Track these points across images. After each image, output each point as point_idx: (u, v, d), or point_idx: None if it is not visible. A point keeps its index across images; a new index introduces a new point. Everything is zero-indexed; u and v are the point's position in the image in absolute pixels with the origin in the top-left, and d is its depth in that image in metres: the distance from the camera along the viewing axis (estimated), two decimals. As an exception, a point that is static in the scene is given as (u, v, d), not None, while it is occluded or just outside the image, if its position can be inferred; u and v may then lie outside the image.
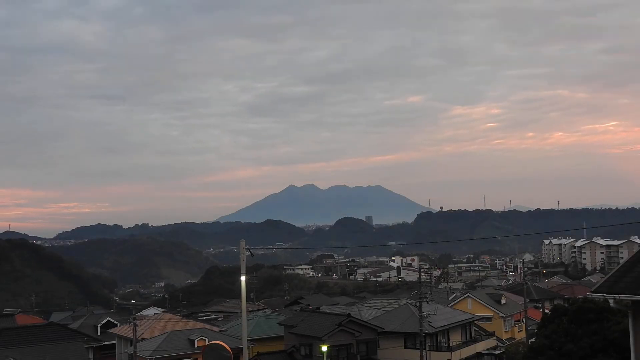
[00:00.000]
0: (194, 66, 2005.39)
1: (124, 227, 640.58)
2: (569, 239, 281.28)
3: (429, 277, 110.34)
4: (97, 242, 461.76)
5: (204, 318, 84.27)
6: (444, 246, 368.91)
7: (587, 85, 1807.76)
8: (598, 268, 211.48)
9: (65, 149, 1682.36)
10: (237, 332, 54.37)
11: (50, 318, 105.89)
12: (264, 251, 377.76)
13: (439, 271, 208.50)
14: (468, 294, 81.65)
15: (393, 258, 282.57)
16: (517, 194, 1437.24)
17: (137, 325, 55.31)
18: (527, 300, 73.59)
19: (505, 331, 75.17)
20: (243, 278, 27.21)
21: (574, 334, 38.06)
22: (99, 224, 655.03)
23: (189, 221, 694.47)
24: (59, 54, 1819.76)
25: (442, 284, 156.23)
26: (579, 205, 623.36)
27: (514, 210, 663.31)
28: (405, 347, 58.07)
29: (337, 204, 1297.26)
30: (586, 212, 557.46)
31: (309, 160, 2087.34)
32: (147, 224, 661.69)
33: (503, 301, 78.42)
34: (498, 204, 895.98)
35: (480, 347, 64.06)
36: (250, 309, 72.97)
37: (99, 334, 69.09)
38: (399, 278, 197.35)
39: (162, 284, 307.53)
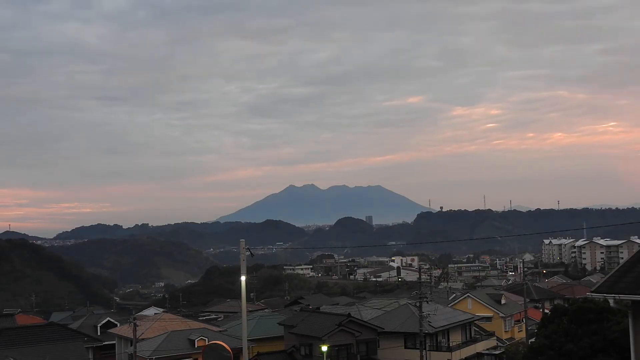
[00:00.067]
0: (195, 68, 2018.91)
1: (124, 227, 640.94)
2: (569, 239, 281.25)
3: (429, 277, 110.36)
4: (97, 242, 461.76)
5: (204, 318, 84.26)
6: (444, 246, 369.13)
7: (587, 86, 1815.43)
8: (598, 268, 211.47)
9: (66, 150, 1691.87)
10: (237, 332, 54.37)
11: (50, 318, 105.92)
12: (264, 251, 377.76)
13: (439, 271, 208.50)
14: (468, 294, 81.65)
15: (393, 258, 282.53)
16: (517, 194, 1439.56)
17: (137, 325, 55.30)
18: (527, 300, 73.58)
19: (505, 331, 75.17)
20: (243, 278, 27.21)
21: (574, 334, 38.06)
22: (99, 224, 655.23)
23: (189, 221, 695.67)
24: (63, 56, 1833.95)
25: (442, 284, 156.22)
26: (579, 205, 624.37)
27: (514, 210, 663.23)
28: (405, 347, 58.06)
29: (337, 204, 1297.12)
30: (586, 212, 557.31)
31: (309, 161, 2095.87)
32: (147, 224, 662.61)
33: (503, 301, 78.42)
34: (498, 204, 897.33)
35: (480, 347, 64.06)
36: (250, 309, 72.96)
37: (99, 334, 69.08)
38: (399, 278, 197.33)
39: (162, 284, 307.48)
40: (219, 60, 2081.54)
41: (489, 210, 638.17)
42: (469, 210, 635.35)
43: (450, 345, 59.56)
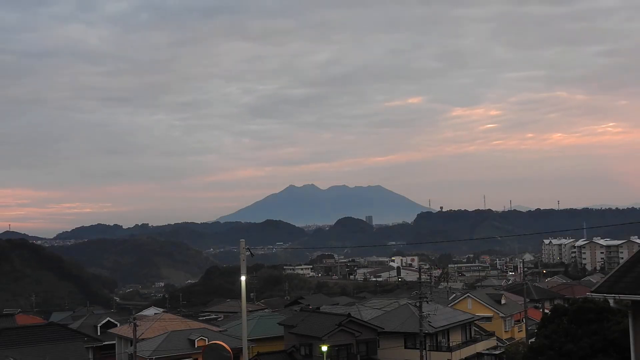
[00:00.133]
0: (197, 69, 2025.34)
1: (124, 227, 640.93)
2: (569, 239, 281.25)
3: (429, 277, 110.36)
4: (97, 242, 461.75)
5: (204, 318, 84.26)
6: (444, 246, 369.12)
7: (586, 87, 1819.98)
8: (598, 268, 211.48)
9: (68, 150, 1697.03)
10: (237, 332, 54.37)
11: (50, 318, 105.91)
12: (264, 251, 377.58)
13: (439, 271, 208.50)
14: (468, 294, 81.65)
15: (393, 258, 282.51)
16: (517, 194, 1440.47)
17: (137, 325, 55.29)
18: (527, 300, 73.59)
19: (505, 331, 75.17)
20: (243, 278, 27.21)
21: (574, 334, 38.06)
22: (99, 224, 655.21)
23: (189, 221, 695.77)
24: (66, 58, 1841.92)
25: (442, 284, 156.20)
26: (579, 205, 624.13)
27: (514, 210, 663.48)
28: (405, 347, 58.06)
29: (337, 204, 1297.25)
30: (586, 212, 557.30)
31: (309, 161, 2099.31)
32: (147, 224, 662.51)
33: (503, 301, 78.43)
34: (498, 204, 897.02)
35: (480, 347, 64.06)
36: (250, 309, 72.96)
37: (99, 334, 69.08)
38: (399, 278, 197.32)
39: (162, 284, 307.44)
40: (220, 61, 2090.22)
41: (489, 210, 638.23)
42: (469, 210, 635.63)
43: (450, 345, 59.56)
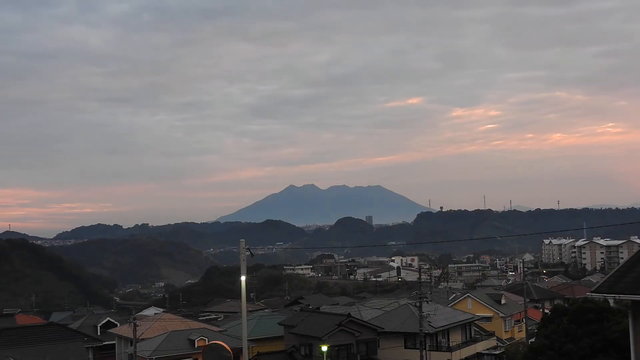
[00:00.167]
0: (198, 69, 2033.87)
1: (124, 227, 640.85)
2: (569, 239, 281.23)
3: (429, 277, 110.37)
4: (97, 242, 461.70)
5: (204, 318, 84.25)
6: (444, 246, 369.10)
7: (585, 87, 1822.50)
8: (598, 268, 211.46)
9: (69, 150, 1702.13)
10: (237, 332, 54.37)
11: (50, 318, 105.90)
12: (264, 251, 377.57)
13: (439, 271, 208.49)
14: (468, 294, 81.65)
15: (393, 258, 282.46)
16: (517, 194, 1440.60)
17: (137, 325, 55.29)
18: (527, 300, 73.59)
19: (505, 331, 75.17)
20: (243, 278, 27.21)
21: (574, 334, 38.06)
22: (99, 224, 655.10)
23: (189, 221, 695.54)
24: (68, 59, 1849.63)
25: (442, 284, 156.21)
26: (579, 205, 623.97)
27: (514, 210, 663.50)
28: (405, 347, 58.06)
29: (337, 204, 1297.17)
30: (586, 212, 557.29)
31: (310, 161, 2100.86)
32: (147, 224, 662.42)
33: (503, 301, 78.42)
34: (498, 204, 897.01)
35: (480, 347, 64.06)
36: (250, 309, 72.97)
37: (99, 334, 69.08)
38: (399, 278, 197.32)
39: (162, 284, 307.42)
40: (222, 62, 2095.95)
41: (489, 210, 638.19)
42: (469, 210, 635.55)
43: (450, 345, 59.56)
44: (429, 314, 55.71)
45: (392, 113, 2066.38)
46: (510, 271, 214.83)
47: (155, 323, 64.49)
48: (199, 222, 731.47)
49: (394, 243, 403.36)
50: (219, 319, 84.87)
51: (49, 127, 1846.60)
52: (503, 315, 75.42)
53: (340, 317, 56.10)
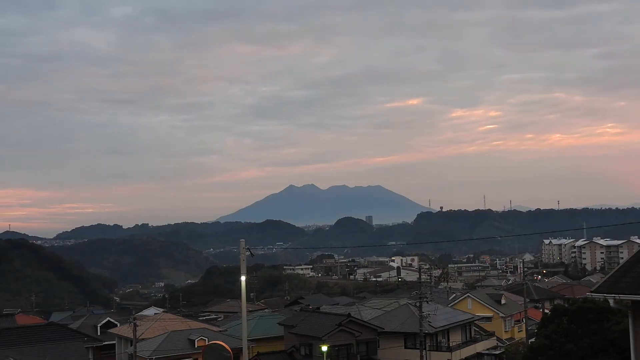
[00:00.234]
0: (200, 71, 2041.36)
1: (124, 227, 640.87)
2: (569, 239, 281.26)
3: (429, 277, 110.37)
4: (97, 242, 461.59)
5: (204, 318, 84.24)
6: (444, 246, 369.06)
7: (584, 88, 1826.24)
8: (598, 268, 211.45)
9: (71, 151, 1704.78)
10: (237, 332, 54.38)
11: (50, 318, 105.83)
12: (264, 251, 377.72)
13: (439, 271, 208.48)
14: (468, 294, 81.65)
15: (393, 258, 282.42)
16: (517, 194, 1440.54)
17: (137, 325, 55.28)
18: (527, 300, 73.59)
19: (505, 331, 75.17)
20: (243, 278, 27.22)
21: (574, 334, 38.07)
22: (99, 224, 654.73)
23: (189, 221, 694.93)
24: (71, 60, 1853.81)
25: (442, 284, 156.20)
26: (579, 205, 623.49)
27: (514, 210, 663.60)
28: (405, 347, 58.05)
29: (337, 204, 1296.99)
30: (586, 212, 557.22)
31: (310, 162, 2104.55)
32: (147, 224, 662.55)
33: (503, 301, 78.41)
34: (498, 204, 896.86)
35: (480, 347, 64.06)
36: (250, 309, 72.97)
37: (99, 334, 69.08)
38: (399, 278, 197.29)
39: (162, 284, 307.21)
40: (224, 64, 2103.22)
41: (489, 210, 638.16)
42: (469, 210, 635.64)
43: (450, 345, 59.56)
44: (429, 314, 55.70)
45: (393, 114, 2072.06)
46: (510, 271, 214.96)
47: (155, 323, 64.47)
48: (199, 222, 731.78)
49: (394, 243, 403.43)
50: (219, 319, 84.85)
51: (52, 127, 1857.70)
52: (503, 315, 75.42)
53: (340, 317, 56.10)
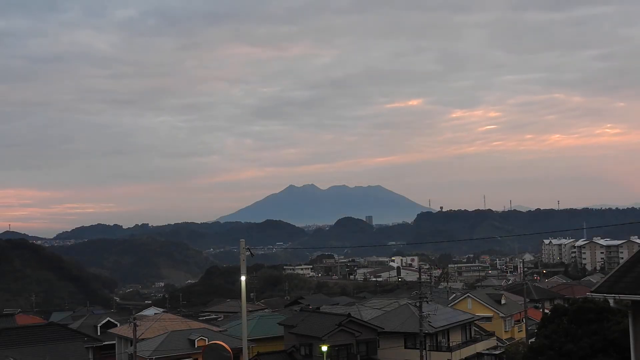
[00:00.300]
0: (202, 72, 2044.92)
1: (124, 227, 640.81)
2: (569, 239, 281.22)
3: (429, 277, 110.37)
4: (97, 242, 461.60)
5: (204, 318, 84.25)
6: (444, 246, 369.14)
7: (583, 89, 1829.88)
8: (598, 268, 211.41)
9: (73, 151, 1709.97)
10: (237, 332, 54.39)
11: (50, 318, 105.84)
12: (264, 251, 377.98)
13: (439, 271, 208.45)
14: (468, 294, 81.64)
15: (393, 258, 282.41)
16: (517, 194, 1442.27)
17: (137, 325, 55.26)
18: (527, 300, 73.59)
19: (505, 331, 75.15)
20: (243, 278, 27.23)
21: (574, 334, 38.07)
22: (99, 224, 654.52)
23: (189, 221, 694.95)
24: (74, 62, 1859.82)
25: (442, 284, 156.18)
26: (579, 205, 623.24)
27: (514, 210, 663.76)
28: (405, 347, 58.05)
29: (337, 204, 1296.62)
30: (586, 212, 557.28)
31: (310, 162, 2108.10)
32: (147, 224, 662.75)
33: (503, 301, 78.40)
34: (498, 204, 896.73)
35: (480, 347, 64.05)
36: (250, 309, 72.98)
37: (99, 334, 69.09)
38: (399, 278, 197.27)
39: (162, 284, 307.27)
40: (224, 65, 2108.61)
41: (489, 210, 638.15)
42: (469, 210, 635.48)
43: (450, 345, 59.56)
44: (429, 314, 55.69)
45: (393, 114, 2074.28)
46: (510, 271, 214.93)
47: (155, 323, 64.47)
48: (199, 222, 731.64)
49: (394, 243, 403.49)
50: (219, 319, 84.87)
51: (53, 128, 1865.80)
52: (503, 315, 75.42)
53: (340, 317, 56.10)
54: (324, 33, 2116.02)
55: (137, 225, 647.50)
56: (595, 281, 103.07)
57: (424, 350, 53.82)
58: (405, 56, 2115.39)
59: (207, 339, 52.23)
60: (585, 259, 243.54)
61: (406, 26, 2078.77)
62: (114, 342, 66.12)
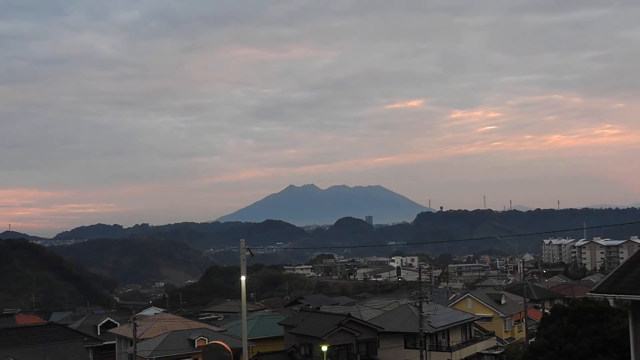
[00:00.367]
0: (203, 74, 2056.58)
1: (124, 227, 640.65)
2: (569, 239, 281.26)
3: (429, 277, 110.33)
4: (97, 242, 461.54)
5: (204, 318, 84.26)
6: (444, 246, 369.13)
7: (582, 90, 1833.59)
8: (598, 268, 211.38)
9: (74, 152, 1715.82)
10: (237, 332, 54.40)
11: (50, 318, 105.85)
12: (264, 251, 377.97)
13: (439, 271, 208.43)
14: (468, 294, 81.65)
15: (393, 258, 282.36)
16: (517, 194, 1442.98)
17: (137, 325, 55.29)
18: (527, 300, 73.58)
19: (505, 331, 75.16)
20: (243, 278, 27.22)
21: (574, 334, 38.06)
22: (99, 224, 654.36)
23: (189, 221, 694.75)
24: (77, 64, 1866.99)
25: (442, 284, 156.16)
26: (579, 205, 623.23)
27: (514, 210, 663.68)
28: (405, 347, 58.06)
29: (337, 204, 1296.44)
30: (586, 212, 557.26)
31: (311, 162, 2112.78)
32: (147, 224, 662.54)
33: (503, 301, 78.41)
34: (498, 204, 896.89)
35: (480, 347, 64.06)
36: (250, 309, 73.00)
37: (99, 334, 69.11)
38: (399, 278, 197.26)
39: (162, 284, 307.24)
40: (226, 66, 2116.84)
41: (489, 210, 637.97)
42: (469, 210, 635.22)
43: (450, 345, 59.56)
44: (429, 314, 55.70)
45: (393, 115, 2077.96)
46: (510, 271, 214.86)
47: (155, 323, 64.48)
48: (199, 222, 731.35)
49: (394, 243, 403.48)
50: (219, 319, 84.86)
51: (55, 128, 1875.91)
52: (503, 315, 75.42)
53: (340, 317, 56.10)
54: (325, 35, 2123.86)
55: (137, 225, 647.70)
56: (595, 281, 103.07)
57: (424, 350, 53.82)
58: (405, 58, 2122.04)
59: (207, 339, 52.25)
60: (585, 259, 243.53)
61: (406, 28, 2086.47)
62: (114, 342, 66.14)
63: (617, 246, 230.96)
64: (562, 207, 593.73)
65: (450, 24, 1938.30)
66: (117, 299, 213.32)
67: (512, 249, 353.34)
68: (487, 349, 64.79)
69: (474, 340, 64.93)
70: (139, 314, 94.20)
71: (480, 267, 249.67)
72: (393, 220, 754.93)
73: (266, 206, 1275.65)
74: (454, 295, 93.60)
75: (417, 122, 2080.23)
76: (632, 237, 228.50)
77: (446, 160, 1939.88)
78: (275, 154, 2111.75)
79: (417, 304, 55.82)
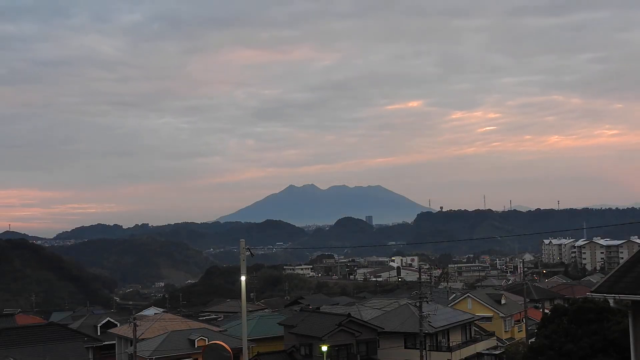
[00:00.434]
0: (205, 75, 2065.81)
1: (124, 227, 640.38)
2: (569, 239, 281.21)
3: (429, 277, 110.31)
4: (97, 242, 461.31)
5: (204, 318, 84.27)
6: (444, 246, 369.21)
7: (581, 91, 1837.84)
8: (598, 268, 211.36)
9: (76, 152, 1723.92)
10: (237, 332, 54.40)
11: (50, 318, 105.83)
12: (264, 251, 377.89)
13: (439, 271, 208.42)
14: (468, 294, 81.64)
15: (393, 258, 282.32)
16: (517, 194, 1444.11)
17: (137, 325, 55.28)
18: (527, 300, 73.57)
19: (505, 331, 75.17)
20: (243, 278, 27.22)
21: (574, 334, 38.06)
22: (99, 224, 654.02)
23: (189, 221, 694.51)
24: (80, 65, 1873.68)
25: (442, 284, 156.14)
26: (579, 205, 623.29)
27: (514, 210, 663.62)
28: (405, 347, 58.06)
29: (337, 204, 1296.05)
30: (586, 212, 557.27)
31: (311, 163, 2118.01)
32: (147, 224, 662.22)
33: (503, 301, 78.41)
34: (498, 204, 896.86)
35: (480, 347, 64.06)
36: (250, 309, 73.01)
37: (99, 334, 69.10)
38: (399, 278, 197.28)
39: (162, 284, 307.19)
40: (227, 68, 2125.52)
41: (489, 210, 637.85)
42: (469, 210, 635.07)
43: (450, 345, 59.56)
44: (429, 314, 55.69)
45: (393, 115, 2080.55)
46: (510, 271, 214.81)
47: (155, 323, 64.48)
48: (199, 222, 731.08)
49: (394, 243, 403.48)
50: (219, 319, 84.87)
51: (58, 129, 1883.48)
52: (503, 315, 75.42)
53: (340, 317, 56.10)
54: (325, 37, 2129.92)
55: (137, 225, 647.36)
56: (595, 281, 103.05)
57: (424, 350, 53.82)
58: (406, 59, 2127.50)
59: (207, 339, 52.24)
60: (585, 259, 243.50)
61: (406, 30, 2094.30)
62: (114, 342, 66.13)
63: (617, 246, 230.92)
64: (562, 207, 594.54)
65: (450, 26, 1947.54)
66: (117, 299, 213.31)
67: (512, 249, 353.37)
68: (487, 349, 64.79)
69: (474, 340, 64.93)
70: (139, 314, 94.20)
71: (480, 267, 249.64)
72: (393, 220, 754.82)
73: (266, 206, 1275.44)
74: (454, 295, 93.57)
75: (417, 123, 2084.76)
76: (632, 237, 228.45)
77: (446, 161, 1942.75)
78: (275, 155, 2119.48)
79: (417, 304, 55.82)
